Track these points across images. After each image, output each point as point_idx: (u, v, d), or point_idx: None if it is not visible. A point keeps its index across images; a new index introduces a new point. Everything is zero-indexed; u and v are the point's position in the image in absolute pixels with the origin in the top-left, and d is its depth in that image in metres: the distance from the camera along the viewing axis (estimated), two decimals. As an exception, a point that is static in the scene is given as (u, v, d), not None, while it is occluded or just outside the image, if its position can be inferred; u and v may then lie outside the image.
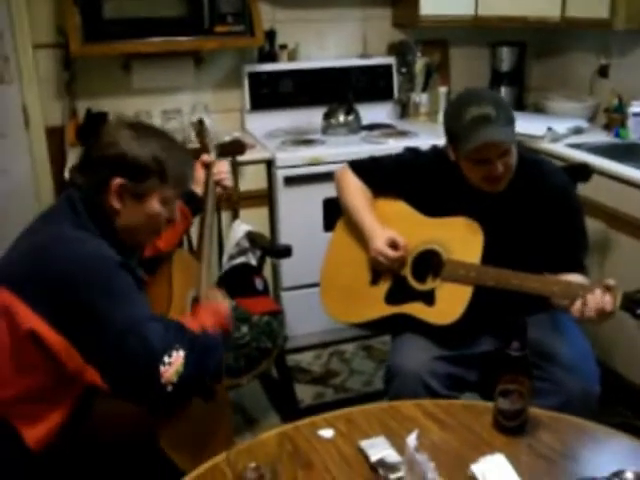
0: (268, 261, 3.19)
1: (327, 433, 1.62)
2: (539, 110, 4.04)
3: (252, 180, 3.32)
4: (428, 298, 2.13)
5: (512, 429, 1.61)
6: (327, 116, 3.68)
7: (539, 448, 1.57)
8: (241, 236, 3.00)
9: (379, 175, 2.33)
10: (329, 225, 2.80)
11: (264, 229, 3.33)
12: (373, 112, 3.88)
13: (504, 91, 4.06)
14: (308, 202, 3.35)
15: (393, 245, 2.19)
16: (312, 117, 3.75)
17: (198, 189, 2.20)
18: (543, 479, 1.47)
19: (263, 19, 3.52)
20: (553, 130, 3.41)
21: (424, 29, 3.90)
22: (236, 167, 3.12)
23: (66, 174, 2.99)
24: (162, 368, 1.53)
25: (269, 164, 3.36)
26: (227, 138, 3.19)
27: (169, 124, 3.46)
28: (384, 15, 3.95)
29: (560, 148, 3.32)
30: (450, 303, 2.08)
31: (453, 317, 2.05)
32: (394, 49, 4.00)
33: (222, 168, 2.25)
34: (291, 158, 3.33)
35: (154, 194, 1.70)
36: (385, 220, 2.26)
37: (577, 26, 3.61)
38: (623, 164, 2.98)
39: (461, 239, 2.13)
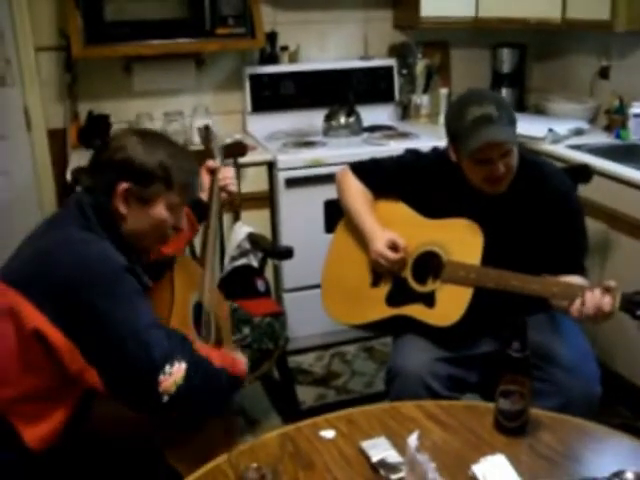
0: (270, 263, 3.19)
1: (328, 434, 1.63)
2: (540, 112, 4.04)
3: (253, 182, 3.33)
4: (428, 300, 2.13)
5: (513, 430, 1.61)
6: (328, 118, 3.68)
7: (540, 448, 1.58)
8: (242, 238, 3.01)
9: (380, 177, 2.34)
10: (330, 227, 2.80)
11: (265, 231, 3.33)
12: (374, 114, 3.88)
13: (505, 92, 4.06)
14: (309, 204, 3.36)
15: (393, 247, 2.20)
16: (313, 119, 3.75)
17: (203, 195, 2.21)
18: (543, 479, 1.47)
19: (264, 21, 3.53)
20: (554, 131, 3.41)
21: (425, 31, 3.90)
22: (237, 169, 3.13)
23: (68, 176, 3.00)
24: (161, 377, 1.52)
25: (270, 166, 3.37)
26: (228, 140, 3.19)
27: (171, 126, 3.47)
28: (385, 17, 3.96)
29: (561, 149, 3.32)
30: (450, 305, 2.09)
31: (453, 319, 2.05)
32: (395, 51, 4.01)
33: (227, 174, 2.26)
34: (292, 160, 3.34)
35: (160, 199, 1.70)
36: (386, 222, 2.27)
37: (578, 28, 3.61)
38: (624, 165, 2.98)
39: (461, 241, 2.14)
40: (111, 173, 1.68)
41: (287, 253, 2.86)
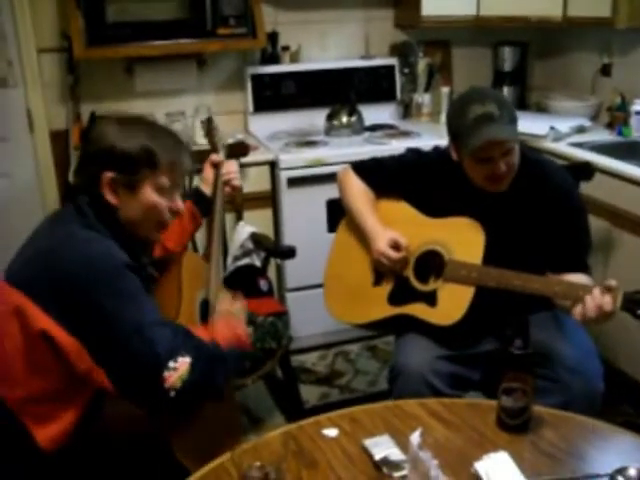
0: (272, 262, 3.20)
1: (331, 432, 1.63)
2: (542, 109, 4.04)
3: (256, 182, 3.33)
4: (430, 299, 2.14)
5: (515, 427, 1.62)
6: (330, 117, 3.69)
7: (543, 446, 1.58)
8: (245, 238, 3.01)
9: (381, 176, 2.34)
10: (333, 226, 2.81)
11: (268, 230, 3.34)
12: (376, 113, 3.88)
13: (506, 91, 4.07)
14: (312, 203, 3.36)
15: (395, 246, 2.20)
16: (315, 118, 3.75)
17: (207, 189, 2.20)
18: (546, 476, 1.47)
19: (265, 21, 3.53)
20: (556, 129, 3.41)
21: (426, 30, 3.90)
22: (240, 169, 3.13)
23: (70, 178, 3.01)
24: (166, 373, 1.52)
25: (272, 165, 3.37)
26: (230, 140, 3.19)
27: (173, 126, 3.44)
28: (386, 16, 3.96)
29: (563, 147, 3.32)
30: (452, 304, 2.09)
31: (455, 318, 2.06)
32: (396, 50, 4.01)
33: (231, 168, 2.24)
34: (294, 159, 3.34)
35: (147, 183, 1.67)
36: (387, 221, 2.27)
37: (579, 25, 3.61)
38: (626, 162, 2.98)
39: (463, 239, 2.14)
40: (94, 165, 1.65)
41: (290, 253, 2.86)
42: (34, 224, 1.75)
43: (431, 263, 2.19)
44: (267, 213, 3.42)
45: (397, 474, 1.46)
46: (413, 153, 2.36)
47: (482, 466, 1.47)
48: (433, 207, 2.23)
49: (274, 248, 3.06)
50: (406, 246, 2.20)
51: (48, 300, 1.55)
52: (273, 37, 3.71)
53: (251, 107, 3.73)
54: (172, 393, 1.53)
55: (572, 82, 4.01)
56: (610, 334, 2.80)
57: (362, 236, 2.30)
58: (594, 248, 2.30)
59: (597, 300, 1.82)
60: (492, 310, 2.07)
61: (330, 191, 3.03)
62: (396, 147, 3.15)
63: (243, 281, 2.91)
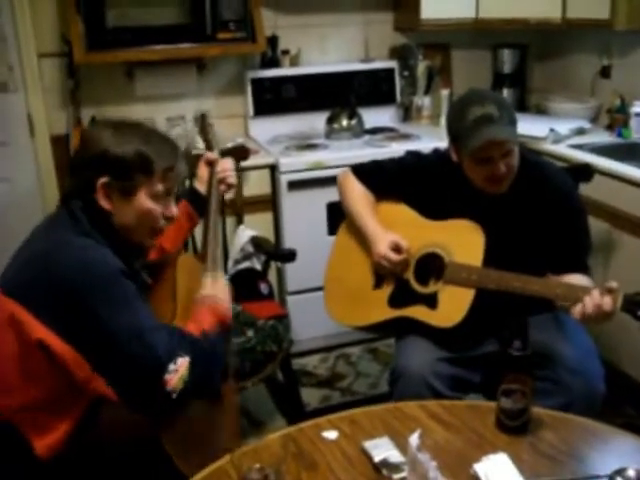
0: (273, 265, 3.21)
1: (331, 434, 1.64)
2: (541, 111, 4.05)
3: (256, 185, 3.34)
4: (431, 301, 2.14)
5: (515, 428, 1.62)
6: (330, 120, 3.69)
7: (542, 447, 1.58)
8: (246, 241, 3.01)
9: (381, 179, 2.34)
10: (333, 229, 2.81)
11: (268, 234, 3.34)
12: (376, 116, 3.89)
13: (506, 93, 4.07)
14: (312, 206, 3.37)
15: (396, 249, 2.20)
16: (315, 122, 3.76)
17: (202, 188, 2.19)
18: (545, 478, 1.47)
19: (265, 25, 3.54)
20: (555, 131, 3.41)
21: (425, 32, 3.90)
22: (240, 172, 3.14)
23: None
24: (167, 376, 1.52)
25: (273, 169, 3.38)
26: (230, 144, 3.20)
27: (173, 131, 3.48)
28: (385, 19, 3.97)
29: (562, 149, 3.33)
30: (452, 306, 2.09)
31: (455, 320, 2.06)
32: (396, 53, 4.02)
33: (226, 165, 2.22)
34: (295, 163, 3.35)
35: (141, 189, 1.65)
36: (388, 224, 2.27)
37: (578, 27, 3.62)
38: (626, 164, 2.99)
39: (463, 242, 2.14)
40: (89, 170, 1.63)
41: (290, 256, 2.87)
42: (35, 229, 1.75)
43: (431, 265, 2.20)
44: (267, 216, 3.43)
45: (396, 476, 1.47)
46: (413, 156, 2.36)
47: (481, 467, 1.47)
48: (433, 209, 2.24)
49: (274, 251, 3.07)
50: (407, 248, 2.20)
51: (44, 308, 1.54)
52: (273, 41, 3.72)
53: (251, 111, 3.74)
54: (174, 395, 1.54)
55: (572, 84, 4.02)
56: (612, 336, 2.80)
57: (362, 239, 2.31)
58: (594, 249, 2.30)
59: (596, 300, 1.82)
60: (492, 312, 2.07)
61: (330, 194, 3.03)
62: (396, 150, 3.15)
63: (244, 284, 2.92)
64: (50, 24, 3.38)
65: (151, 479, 1.70)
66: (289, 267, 3.36)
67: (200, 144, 3.08)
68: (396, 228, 2.25)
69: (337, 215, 2.53)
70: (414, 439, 1.37)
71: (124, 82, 3.56)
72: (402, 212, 2.31)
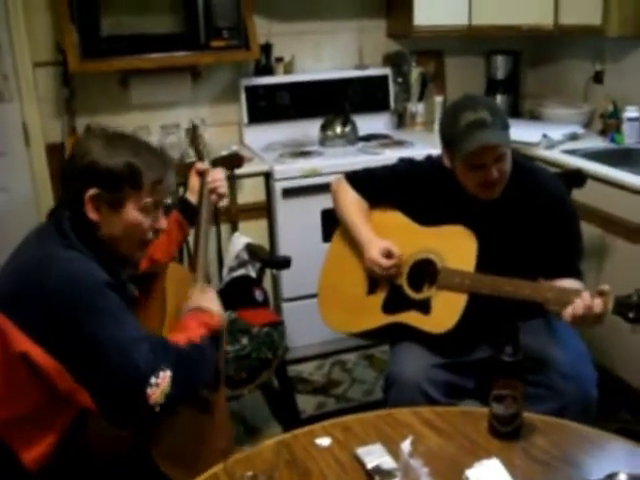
0: (268, 273, 3.21)
1: (324, 441, 1.64)
2: (535, 117, 4.07)
3: (251, 193, 3.35)
4: (424, 307, 2.15)
5: (507, 434, 1.62)
6: (324, 128, 3.71)
7: (534, 452, 1.59)
8: (240, 248, 3.02)
9: (374, 186, 2.36)
10: (328, 236, 2.82)
11: (263, 241, 3.35)
12: (370, 123, 3.91)
13: (500, 99, 4.08)
14: (307, 213, 3.38)
15: (387, 255, 2.21)
16: (309, 129, 3.77)
17: (193, 198, 2.20)
18: (538, 483, 1.48)
19: (259, 33, 3.55)
20: (548, 137, 3.43)
21: (419, 39, 3.93)
22: (235, 180, 3.15)
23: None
24: (149, 390, 1.51)
25: (267, 176, 3.39)
26: (224, 152, 3.21)
27: (168, 139, 3.49)
28: (379, 26, 3.99)
29: (555, 154, 3.34)
30: (445, 311, 2.10)
31: (448, 325, 2.07)
32: (389, 60, 4.03)
33: (217, 176, 2.22)
34: (289, 170, 3.36)
35: (130, 202, 1.65)
36: (381, 230, 2.28)
37: (570, 33, 3.64)
38: (618, 169, 3.00)
39: (455, 247, 2.15)
40: (78, 181, 1.63)
41: (285, 263, 2.87)
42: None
43: (425, 271, 2.20)
44: (262, 224, 3.43)
45: (389, 482, 1.47)
46: (405, 163, 2.38)
47: (473, 473, 1.47)
48: (426, 216, 2.25)
49: (269, 259, 3.07)
50: (398, 254, 2.21)
51: (28, 320, 1.53)
52: (267, 48, 3.73)
53: (246, 118, 3.75)
54: (157, 409, 1.52)
55: (565, 90, 4.04)
56: (604, 340, 2.81)
57: (356, 246, 2.32)
58: (588, 255, 2.31)
59: (587, 302, 1.83)
60: (486, 317, 2.08)
61: (325, 201, 3.03)
62: (390, 157, 3.16)
63: (239, 292, 2.92)
64: (44, 33, 3.38)
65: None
66: (284, 274, 3.36)
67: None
68: (390, 235, 2.26)
69: (332, 222, 2.54)
70: (406, 445, 1.38)
71: (119, 91, 3.57)
72: (395, 219, 2.32)
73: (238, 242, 3.04)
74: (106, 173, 1.61)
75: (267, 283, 3.27)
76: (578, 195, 2.64)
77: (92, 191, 1.61)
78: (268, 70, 3.77)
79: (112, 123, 3.40)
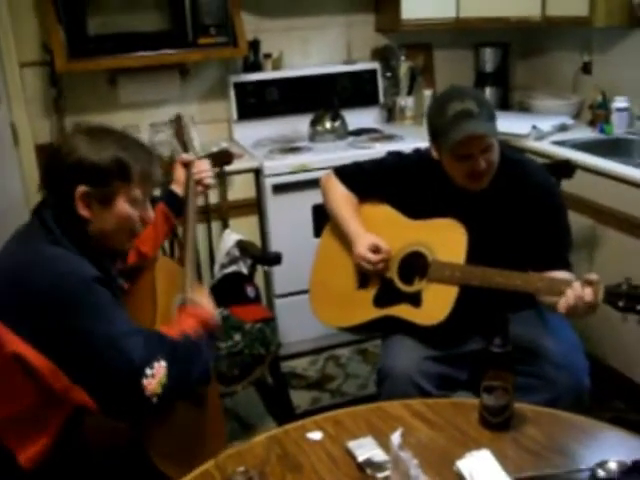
0: (260, 269, 3.21)
1: (315, 435, 1.64)
2: (524, 109, 4.07)
3: (241, 189, 3.34)
4: (415, 299, 2.15)
5: (497, 425, 1.62)
6: (314, 123, 3.70)
7: (525, 442, 1.59)
8: (231, 245, 3.02)
9: (363, 180, 2.36)
10: (319, 231, 2.81)
11: (254, 237, 3.34)
12: (359, 117, 3.90)
13: (489, 91, 4.08)
14: (297, 209, 3.37)
15: (375, 250, 2.21)
16: (299, 125, 3.76)
17: (179, 189, 2.20)
18: (529, 472, 1.48)
19: (246, 29, 3.54)
20: (538, 128, 3.43)
21: (407, 33, 3.92)
22: (225, 177, 3.15)
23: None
24: (145, 381, 1.51)
25: (257, 173, 3.38)
26: (214, 148, 3.21)
27: (157, 137, 3.47)
28: (367, 21, 3.98)
29: (545, 146, 3.34)
30: (436, 304, 2.10)
31: (439, 317, 2.07)
32: (378, 54, 4.03)
33: (202, 167, 2.23)
34: (279, 166, 3.35)
35: (120, 196, 1.65)
36: (370, 224, 2.28)
37: (558, 24, 3.64)
38: (608, 159, 3.00)
39: (445, 240, 2.16)
40: (66, 179, 1.62)
41: (276, 259, 2.87)
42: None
43: (415, 264, 2.21)
44: (253, 220, 3.42)
45: (380, 475, 1.47)
46: (394, 156, 2.38)
47: (464, 464, 1.47)
48: (415, 209, 2.25)
49: (260, 255, 3.07)
50: (386, 249, 2.21)
51: (18, 321, 1.53)
52: (255, 45, 3.72)
53: (235, 115, 3.74)
54: (154, 399, 1.53)
55: (554, 81, 4.04)
56: (595, 330, 2.82)
57: (346, 240, 2.32)
58: (579, 245, 2.32)
59: (578, 292, 1.83)
60: (477, 309, 2.08)
61: (315, 196, 3.02)
62: (380, 151, 3.14)
63: (230, 288, 2.92)
64: (31, 33, 3.37)
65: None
66: (276, 270, 3.36)
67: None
68: (379, 228, 2.26)
69: (322, 217, 2.54)
70: (396, 437, 1.38)
71: (107, 89, 3.56)
72: (385, 212, 2.32)
73: (229, 239, 3.04)
74: (94, 169, 1.61)
75: (259, 279, 3.27)
76: (568, 186, 2.64)
77: (82, 189, 1.61)
78: (256, 66, 3.76)
79: (101, 122, 3.43)
